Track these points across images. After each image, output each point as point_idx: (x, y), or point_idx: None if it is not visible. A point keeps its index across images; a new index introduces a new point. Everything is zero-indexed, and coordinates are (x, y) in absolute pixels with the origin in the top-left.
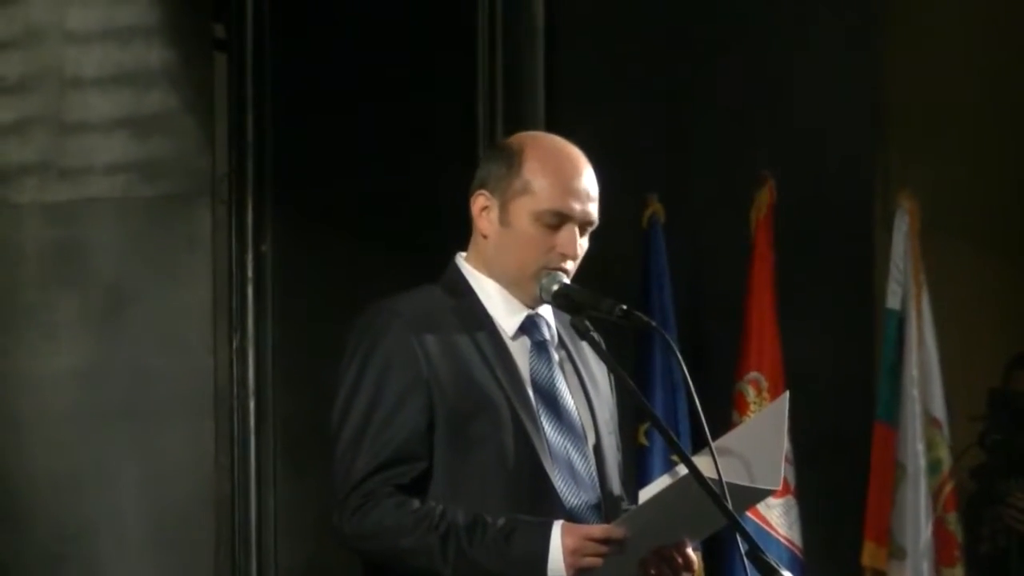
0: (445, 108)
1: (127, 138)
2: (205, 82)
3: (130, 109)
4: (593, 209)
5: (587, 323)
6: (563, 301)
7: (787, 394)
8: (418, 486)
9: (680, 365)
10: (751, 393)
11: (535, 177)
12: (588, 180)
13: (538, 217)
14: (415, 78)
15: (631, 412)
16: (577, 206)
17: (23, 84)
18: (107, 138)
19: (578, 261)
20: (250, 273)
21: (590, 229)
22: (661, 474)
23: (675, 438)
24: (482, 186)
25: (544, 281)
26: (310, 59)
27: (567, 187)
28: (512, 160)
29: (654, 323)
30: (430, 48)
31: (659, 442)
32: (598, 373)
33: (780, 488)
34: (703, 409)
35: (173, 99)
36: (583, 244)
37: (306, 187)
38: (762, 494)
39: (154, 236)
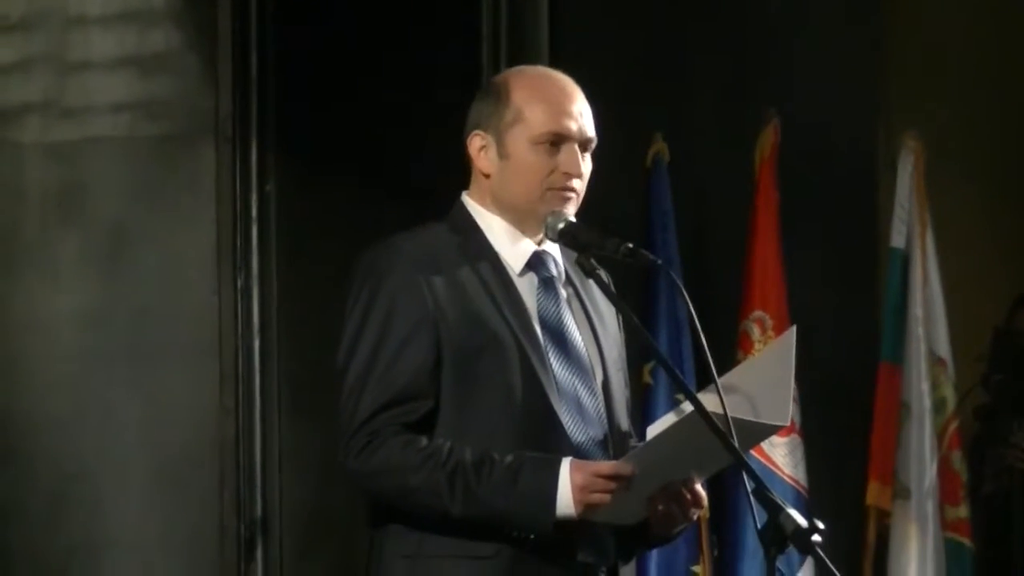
0: (448, 47)
1: (130, 77)
2: (208, 21)
3: (133, 48)
4: (588, 125)
5: (593, 261)
6: (568, 239)
7: (794, 328)
8: (425, 424)
9: (686, 303)
10: (756, 332)
11: (525, 104)
12: (579, 99)
13: (536, 141)
14: (419, 19)
15: (636, 351)
16: (572, 124)
17: (25, 23)
18: (110, 77)
19: (585, 180)
20: (254, 213)
21: (591, 147)
22: (666, 413)
23: (680, 376)
24: (475, 127)
25: (549, 219)
26: (313, 1)
27: (559, 108)
28: (500, 94)
29: (659, 261)
30: None
31: (664, 380)
32: (605, 311)
33: (788, 424)
34: (708, 348)
35: (176, 38)
36: (587, 164)
37: (310, 127)
38: (770, 430)
39: (157, 176)
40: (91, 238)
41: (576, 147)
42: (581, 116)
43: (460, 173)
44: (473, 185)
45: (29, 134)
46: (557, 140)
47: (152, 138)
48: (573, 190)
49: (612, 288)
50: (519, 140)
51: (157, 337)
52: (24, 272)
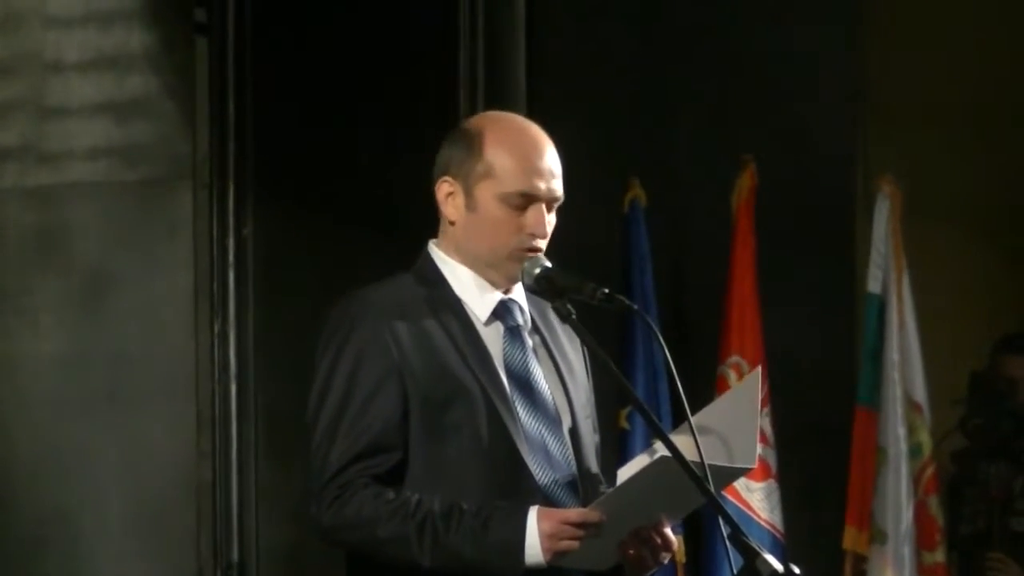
0: (426, 92)
1: (108, 122)
2: (186, 66)
3: (111, 93)
4: (558, 186)
5: (569, 307)
6: (545, 284)
7: (759, 370)
8: (394, 476)
9: (662, 348)
10: (733, 377)
11: (497, 159)
12: (550, 157)
13: (504, 199)
14: (396, 62)
15: (612, 396)
16: (542, 185)
17: (4, 68)
18: (88, 122)
19: (547, 238)
20: (231, 257)
21: (556, 205)
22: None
23: (657, 421)
24: (444, 172)
25: (526, 265)
26: (290, 43)
27: (530, 167)
28: (472, 143)
29: (636, 306)
30: (411, 32)
31: (641, 426)
32: (573, 357)
33: (756, 466)
34: (685, 393)
35: (154, 83)
36: (551, 220)
37: (287, 171)
38: (739, 472)
39: (135, 220)
40: (69, 282)
41: (543, 207)
42: (552, 176)
43: (436, 216)
44: (440, 231)
45: (7, 179)
46: (525, 200)
47: (130, 183)
48: (537, 250)
49: (589, 335)
50: (487, 194)
51: (134, 381)
52: (3, 315)
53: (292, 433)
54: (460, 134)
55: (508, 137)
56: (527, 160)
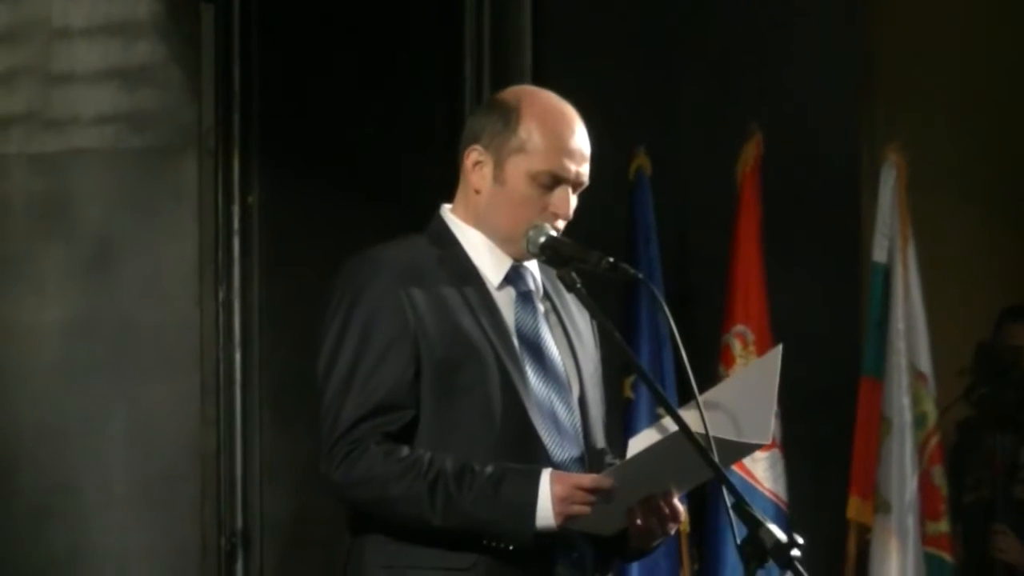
0: (432, 59)
1: (114, 89)
2: (192, 34)
3: (117, 60)
4: (586, 170)
5: (574, 275)
6: (550, 253)
7: (780, 347)
8: (405, 434)
9: (667, 317)
10: (737, 346)
11: (532, 136)
12: (583, 141)
13: (534, 177)
14: (401, 30)
15: (617, 365)
16: (572, 167)
17: (10, 34)
18: (94, 89)
19: (568, 220)
20: (236, 225)
21: (581, 188)
22: (646, 427)
23: (661, 391)
24: (475, 140)
25: (531, 233)
26: (296, 10)
27: (563, 148)
28: (509, 116)
29: (641, 275)
30: (416, 1)
31: (645, 395)
32: (583, 326)
33: (769, 443)
34: (689, 363)
35: (160, 51)
36: (573, 203)
37: (292, 139)
38: (750, 448)
39: (141, 188)
40: (74, 249)
41: (569, 189)
42: (582, 159)
43: (442, 184)
44: (459, 196)
45: (13, 145)
46: (554, 181)
47: (135, 150)
48: (557, 230)
49: (593, 303)
50: (518, 170)
51: (139, 349)
52: (8, 283)
53: (297, 402)
54: (496, 105)
55: (545, 115)
56: (561, 141)
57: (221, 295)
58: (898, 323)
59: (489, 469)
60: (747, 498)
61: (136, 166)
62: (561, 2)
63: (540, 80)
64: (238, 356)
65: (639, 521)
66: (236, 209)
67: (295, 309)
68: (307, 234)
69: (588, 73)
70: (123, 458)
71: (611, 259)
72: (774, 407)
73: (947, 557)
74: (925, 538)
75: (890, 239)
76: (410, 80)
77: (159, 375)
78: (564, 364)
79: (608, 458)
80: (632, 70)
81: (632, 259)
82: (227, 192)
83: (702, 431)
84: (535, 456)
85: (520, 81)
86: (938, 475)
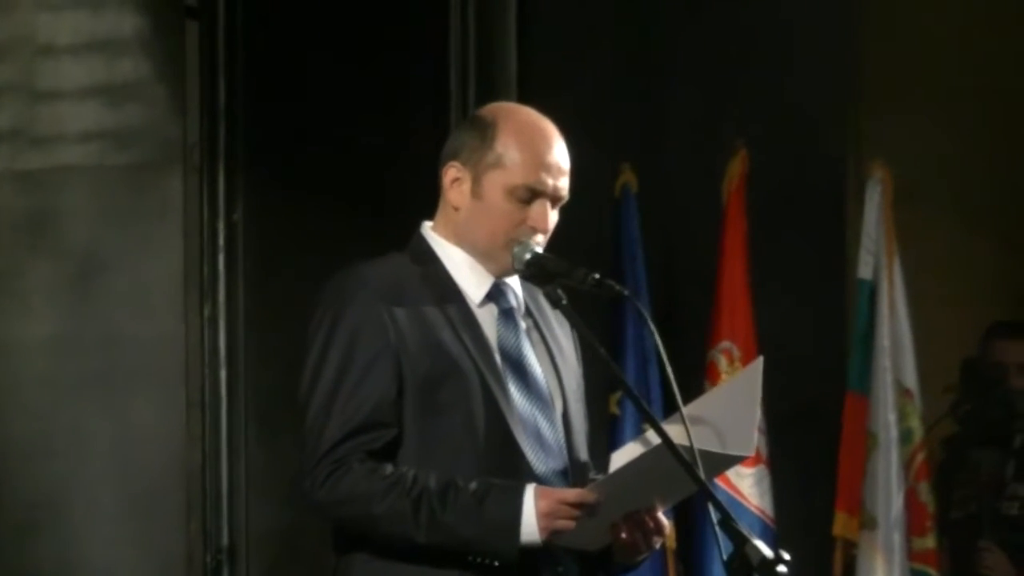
0: (417, 76)
1: (99, 106)
2: (177, 50)
3: (102, 77)
4: (565, 184)
5: (559, 292)
6: (535, 270)
7: (761, 360)
8: (388, 452)
9: (652, 334)
10: (723, 362)
11: (508, 151)
12: (561, 155)
13: (511, 191)
14: (387, 45)
15: (603, 381)
16: (550, 181)
17: None
18: (79, 106)
19: (548, 235)
20: (221, 241)
21: (560, 203)
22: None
23: (647, 407)
24: (454, 157)
25: (516, 250)
26: (281, 27)
27: (540, 162)
28: (485, 132)
29: (626, 292)
30: (402, 15)
31: (631, 411)
32: (565, 343)
33: (753, 455)
34: (675, 378)
35: (145, 67)
36: (553, 218)
37: (277, 155)
38: (734, 460)
39: (126, 204)
40: (60, 265)
41: (547, 203)
42: (560, 173)
43: (427, 200)
44: (439, 214)
45: None
46: (531, 195)
47: (121, 166)
48: (539, 245)
49: (579, 320)
50: (495, 185)
51: (124, 364)
52: None
53: (282, 417)
54: (474, 121)
55: (522, 129)
56: (538, 155)
57: (206, 311)
58: (884, 339)
59: (473, 485)
60: (733, 514)
61: (121, 182)
62: (547, 18)
63: (526, 96)
64: (223, 372)
65: (624, 535)
66: (221, 225)
67: (280, 325)
68: (292, 250)
69: (574, 89)
70: (109, 473)
71: (597, 275)
72: (758, 418)
73: (934, 573)
74: (911, 554)
75: (875, 256)
76: (395, 96)
77: (144, 390)
78: (547, 380)
79: (592, 473)
80: (618, 87)
81: (618, 275)
82: (212, 208)
83: (686, 443)
84: (519, 472)
85: (506, 97)
86: (924, 491)
